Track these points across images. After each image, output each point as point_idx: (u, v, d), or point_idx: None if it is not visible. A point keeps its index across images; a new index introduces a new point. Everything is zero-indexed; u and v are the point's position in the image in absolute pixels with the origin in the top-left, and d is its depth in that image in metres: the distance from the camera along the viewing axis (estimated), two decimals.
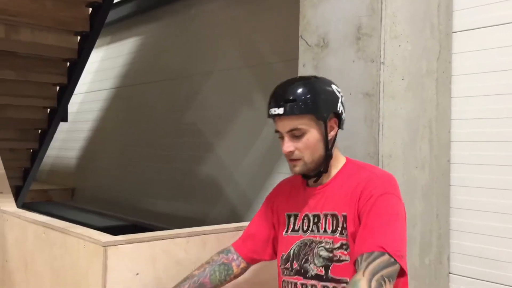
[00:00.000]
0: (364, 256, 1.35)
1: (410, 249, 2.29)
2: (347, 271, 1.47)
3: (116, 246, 1.67)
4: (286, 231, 1.63)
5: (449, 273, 2.46)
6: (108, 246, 1.65)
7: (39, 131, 4.99)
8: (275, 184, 1.79)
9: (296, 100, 1.46)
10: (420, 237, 2.33)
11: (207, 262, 1.67)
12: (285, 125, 1.49)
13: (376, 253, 1.34)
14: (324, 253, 1.51)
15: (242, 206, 4.15)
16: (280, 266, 1.62)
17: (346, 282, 1.47)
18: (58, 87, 4.87)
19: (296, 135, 1.48)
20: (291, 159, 1.51)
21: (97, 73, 6.57)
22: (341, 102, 1.55)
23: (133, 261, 1.70)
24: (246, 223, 2.03)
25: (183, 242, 1.84)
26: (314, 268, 1.51)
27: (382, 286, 1.29)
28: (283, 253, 1.61)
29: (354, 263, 1.40)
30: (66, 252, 1.86)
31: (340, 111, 1.54)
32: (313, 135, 1.49)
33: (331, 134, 1.52)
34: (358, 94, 2.26)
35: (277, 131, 1.52)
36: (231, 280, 1.68)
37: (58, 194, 6.54)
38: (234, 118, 4.35)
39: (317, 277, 1.51)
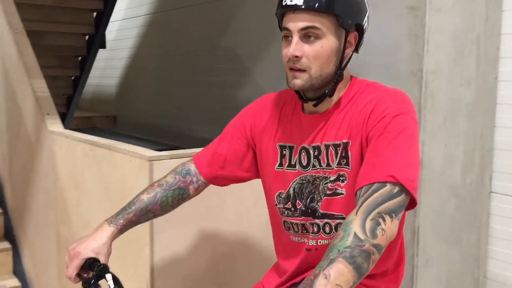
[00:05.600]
0: (362, 190, 1.13)
1: (452, 168, 2.27)
2: (340, 206, 1.29)
3: (161, 161, 1.72)
4: (280, 165, 1.38)
5: (491, 191, 2.44)
6: (153, 160, 1.70)
7: (79, 58, 5.05)
8: None
9: None
10: (463, 156, 2.30)
11: (159, 185, 1.43)
12: (300, 21, 1.21)
13: (375, 185, 1.12)
14: (325, 187, 1.31)
15: None
16: (276, 205, 1.40)
17: (341, 218, 1.29)
18: (95, 13, 4.87)
19: (310, 36, 1.21)
20: (295, 68, 1.24)
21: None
22: (367, 18, 1.28)
23: None
24: None
25: None
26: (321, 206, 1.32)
27: (380, 224, 1.07)
28: (281, 191, 1.38)
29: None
30: (113, 168, 1.94)
31: (364, 27, 1.27)
32: (329, 43, 1.22)
33: (347, 52, 1.26)
34: (402, 8, 2.16)
35: (284, 29, 1.25)
36: (183, 202, 1.46)
37: (101, 121, 6.72)
38: (271, 42, 4.27)
39: (324, 215, 1.32)
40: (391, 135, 1.18)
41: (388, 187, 1.11)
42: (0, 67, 3.49)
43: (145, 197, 1.39)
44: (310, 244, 1.36)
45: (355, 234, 1.05)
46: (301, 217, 1.35)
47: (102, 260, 1.29)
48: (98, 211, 2.07)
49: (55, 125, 2.57)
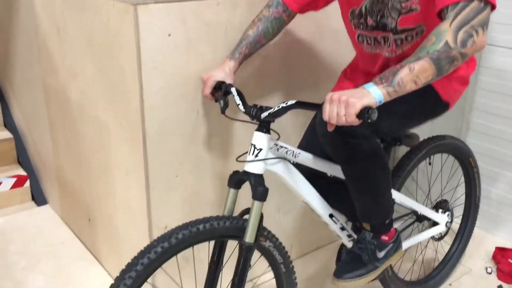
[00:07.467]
0: (449, 7, 1.26)
1: None
2: (416, 19, 1.46)
3: (146, 5, 1.63)
4: None
5: None
6: (138, 4, 1.62)
7: None
8: None
9: None
10: None
11: (259, 19, 1.68)
12: None
13: (462, 3, 1.24)
14: (397, 5, 1.48)
15: None
16: (350, 20, 1.64)
17: (414, 29, 1.48)
18: None
19: None
20: None
21: None
22: None
23: (164, 21, 1.69)
24: None
25: (213, 4, 1.79)
26: (392, 22, 1.51)
27: (473, 37, 1.21)
28: (354, 8, 1.59)
29: (439, 14, 1.30)
30: (96, 14, 1.85)
31: None
32: None
33: None
34: None
35: None
36: (282, 29, 1.72)
37: None
38: None
39: (395, 30, 1.52)
40: None
41: (476, 2, 1.23)
42: None
43: (250, 32, 1.67)
44: (385, 54, 1.59)
45: (446, 41, 1.20)
46: (372, 31, 1.57)
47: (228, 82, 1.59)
48: (83, 60, 2.03)
49: None
